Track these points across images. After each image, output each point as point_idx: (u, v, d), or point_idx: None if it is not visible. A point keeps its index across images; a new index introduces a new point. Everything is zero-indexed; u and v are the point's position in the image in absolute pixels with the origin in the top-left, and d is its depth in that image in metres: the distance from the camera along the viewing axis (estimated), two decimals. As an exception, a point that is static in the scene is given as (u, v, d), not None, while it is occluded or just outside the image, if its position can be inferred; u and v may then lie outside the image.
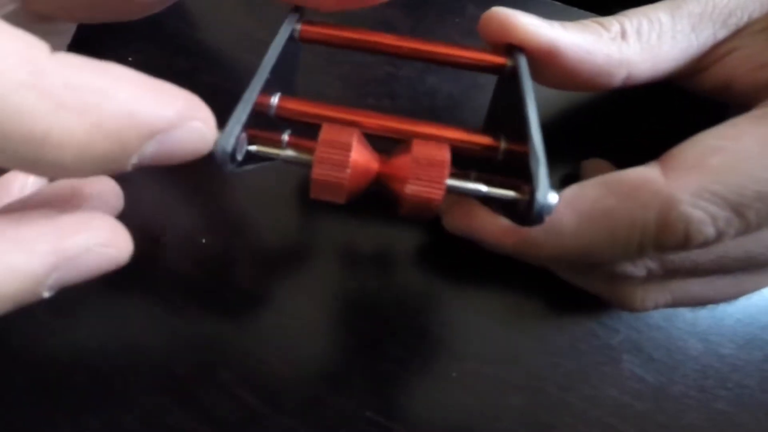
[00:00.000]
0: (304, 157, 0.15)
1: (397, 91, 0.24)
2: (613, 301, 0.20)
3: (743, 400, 0.21)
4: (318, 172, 0.14)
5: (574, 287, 0.21)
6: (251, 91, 0.15)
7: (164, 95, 0.12)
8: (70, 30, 0.22)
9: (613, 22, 0.18)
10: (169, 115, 0.12)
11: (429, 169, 0.14)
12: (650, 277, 0.19)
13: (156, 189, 0.23)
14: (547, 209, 0.13)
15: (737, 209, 0.16)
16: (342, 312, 0.22)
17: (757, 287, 0.20)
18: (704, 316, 0.22)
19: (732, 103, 0.21)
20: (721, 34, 0.19)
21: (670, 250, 0.17)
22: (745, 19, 0.19)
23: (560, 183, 0.23)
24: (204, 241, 0.22)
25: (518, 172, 0.15)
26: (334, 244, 0.22)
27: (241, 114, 0.14)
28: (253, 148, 0.15)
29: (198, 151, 0.13)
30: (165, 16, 0.25)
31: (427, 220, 0.15)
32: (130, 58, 0.24)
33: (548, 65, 0.18)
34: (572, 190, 0.18)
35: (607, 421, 0.21)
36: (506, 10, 0.18)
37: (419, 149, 0.15)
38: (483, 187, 0.15)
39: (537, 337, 0.22)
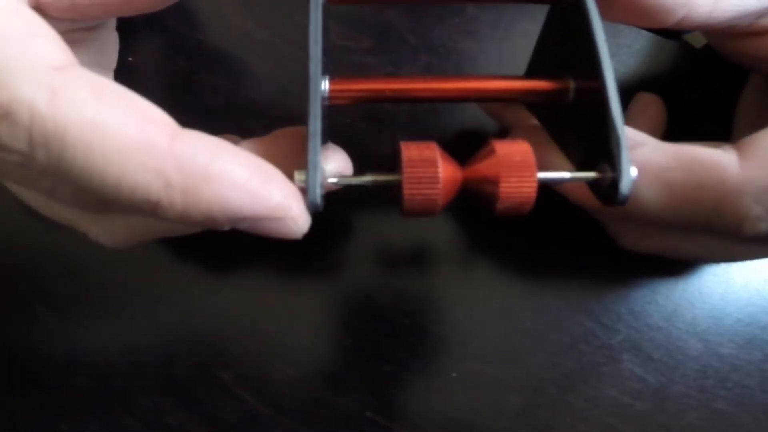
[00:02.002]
0: (390, 178, 0.15)
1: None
2: (611, 232, 0.21)
3: (743, 400, 0.21)
4: (410, 192, 0.14)
5: (574, 287, 0.21)
6: (314, 115, 0.14)
7: (264, 188, 0.14)
8: (105, 24, 0.21)
9: None
10: (258, 211, 0.14)
11: (518, 168, 0.15)
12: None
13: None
14: (629, 193, 0.14)
15: None
16: (342, 312, 0.22)
17: (748, 257, 0.20)
18: (704, 316, 0.22)
19: None
20: None
21: (717, 232, 0.17)
22: None
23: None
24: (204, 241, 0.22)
25: (588, 111, 0.15)
26: (333, 245, 0.22)
27: (316, 154, 0.14)
28: (334, 180, 0.15)
29: (287, 238, 0.15)
30: (165, 16, 0.25)
31: (521, 216, 0.15)
32: (130, 58, 0.24)
33: None
34: (645, 152, 0.17)
35: (607, 421, 0.21)
36: None
37: (503, 150, 0.15)
38: (566, 174, 0.15)
39: (537, 337, 0.22)
